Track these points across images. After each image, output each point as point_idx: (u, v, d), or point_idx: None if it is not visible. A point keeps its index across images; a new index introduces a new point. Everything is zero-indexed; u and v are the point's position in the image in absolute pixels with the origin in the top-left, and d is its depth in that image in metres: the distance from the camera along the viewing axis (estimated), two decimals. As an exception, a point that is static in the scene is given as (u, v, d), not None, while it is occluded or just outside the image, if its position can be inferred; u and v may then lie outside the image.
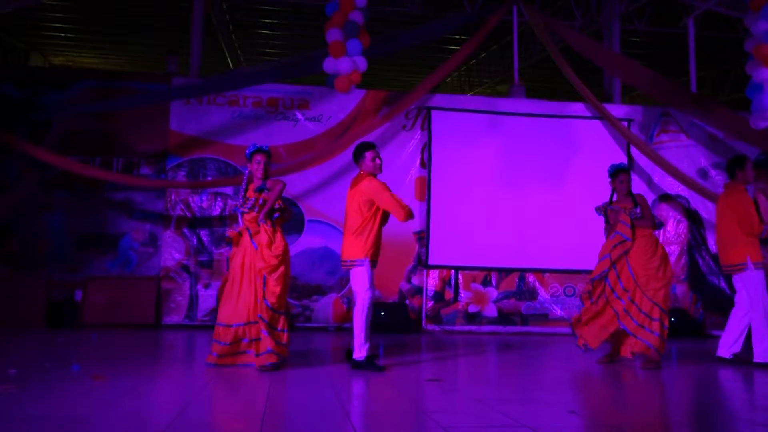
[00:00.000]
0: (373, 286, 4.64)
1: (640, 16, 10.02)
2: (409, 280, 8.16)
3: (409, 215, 4.54)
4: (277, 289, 4.45)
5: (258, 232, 4.53)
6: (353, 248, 4.59)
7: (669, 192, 8.62)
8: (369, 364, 4.53)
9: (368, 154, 4.73)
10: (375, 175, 4.73)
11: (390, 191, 4.62)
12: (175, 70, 8.60)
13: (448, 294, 8.17)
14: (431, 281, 8.15)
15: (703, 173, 8.69)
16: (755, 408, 3.66)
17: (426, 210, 8.22)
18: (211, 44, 10.60)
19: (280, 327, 4.51)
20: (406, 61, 12.80)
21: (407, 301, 8.09)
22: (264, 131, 8.08)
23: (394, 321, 7.80)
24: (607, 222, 5.37)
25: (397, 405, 3.44)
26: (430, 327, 8.06)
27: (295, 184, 7.91)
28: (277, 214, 4.64)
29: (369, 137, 8.08)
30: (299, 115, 8.21)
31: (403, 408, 3.36)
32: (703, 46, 9.85)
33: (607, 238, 5.35)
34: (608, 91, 9.35)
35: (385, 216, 4.70)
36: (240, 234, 4.61)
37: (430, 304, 8.12)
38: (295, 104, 8.21)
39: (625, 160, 8.39)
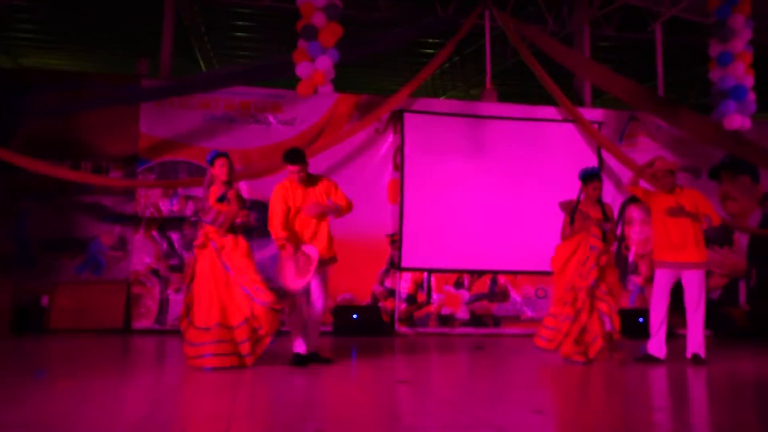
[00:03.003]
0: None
1: (610, 22, 10.17)
2: (381, 283, 8.16)
3: (276, 232, 4.67)
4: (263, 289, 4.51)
5: (223, 246, 4.56)
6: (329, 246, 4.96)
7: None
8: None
9: (288, 167, 4.87)
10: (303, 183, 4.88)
11: (275, 203, 4.76)
12: (145, 72, 8.51)
13: (421, 296, 8.19)
14: (404, 284, 8.17)
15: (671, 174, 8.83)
16: (719, 405, 3.74)
17: (399, 213, 8.24)
18: (182, 46, 10.50)
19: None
20: (378, 64, 12.81)
21: (380, 304, 8.10)
22: (236, 134, 8.03)
23: (366, 323, 7.80)
24: (571, 222, 5.42)
25: (365, 406, 3.45)
26: (403, 329, 8.07)
27: (267, 187, 7.85)
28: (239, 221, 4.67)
29: (342, 141, 8.12)
30: (271, 119, 8.17)
31: (371, 409, 3.37)
32: (671, 51, 10.02)
33: (565, 238, 5.42)
34: (579, 95, 9.48)
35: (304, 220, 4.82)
36: (204, 245, 4.62)
37: (403, 306, 8.14)
38: (267, 107, 8.17)
39: (595, 163, 8.50)
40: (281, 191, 4.76)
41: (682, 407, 3.72)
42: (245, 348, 4.44)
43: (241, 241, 4.62)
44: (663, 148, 8.88)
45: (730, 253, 8.93)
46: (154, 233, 7.76)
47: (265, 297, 4.47)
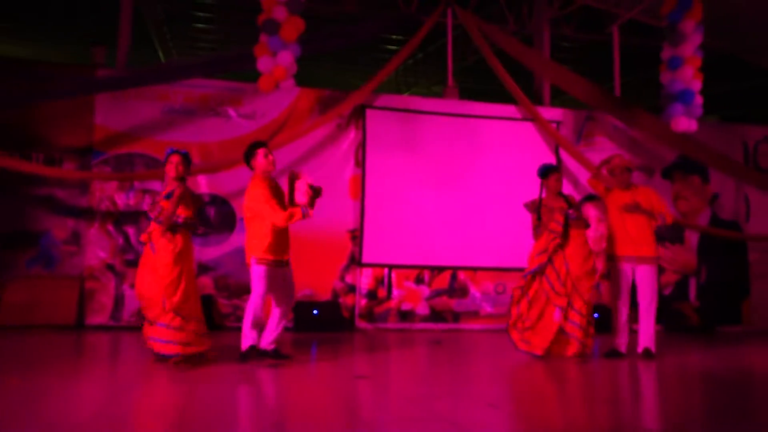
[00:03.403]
0: (266, 289, 4.65)
1: (569, 22, 10.35)
2: (342, 279, 8.15)
3: (290, 220, 4.55)
4: (175, 299, 4.41)
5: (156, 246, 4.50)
6: (248, 247, 4.71)
7: (594, 193, 8.94)
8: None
9: (261, 152, 4.72)
10: (269, 173, 4.75)
11: (267, 198, 4.60)
12: (101, 61, 8.30)
13: (381, 292, 8.21)
14: (364, 279, 8.18)
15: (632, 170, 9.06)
16: (664, 399, 3.86)
17: (360, 209, 8.24)
18: (141, 36, 10.27)
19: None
20: (342, 59, 12.78)
21: (340, 300, 8.09)
22: (195, 127, 7.90)
23: (326, 319, 7.78)
24: (538, 219, 5.47)
25: (323, 401, 3.45)
26: (363, 325, 8.08)
27: (227, 182, 7.78)
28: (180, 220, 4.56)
29: (304, 136, 8.07)
30: (232, 112, 8.06)
31: (328, 404, 3.37)
32: (628, 53, 10.26)
33: (537, 236, 5.48)
34: (539, 94, 9.62)
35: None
36: (145, 243, 4.56)
37: (363, 302, 8.15)
38: (227, 100, 8.06)
39: (554, 161, 8.65)
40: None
41: (633, 400, 3.83)
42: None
43: (178, 242, 4.52)
44: (619, 147, 9.08)
45: (681, 250, 9.21)
46: (110, 227, 7.58)
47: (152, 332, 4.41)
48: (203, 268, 7.58)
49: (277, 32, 6.54)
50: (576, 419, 3.11)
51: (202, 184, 7.83)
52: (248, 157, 4.74)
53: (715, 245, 9.23)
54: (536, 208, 5.47)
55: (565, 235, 5.38)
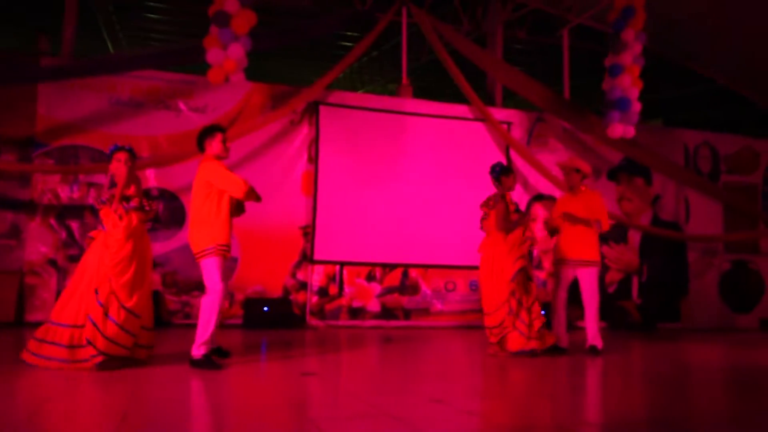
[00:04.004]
0: (225, 278, 4.38)
1: (522, 25, 10.54)
2: (293, 275, 8.12)
3: (250, 194, 4.32)
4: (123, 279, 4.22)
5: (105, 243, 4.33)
6: (199, 238, 4.35)
7: (543, 193, 9.15)
8: (208, 362, 4.27)
9: (220, 136, 4.49)
10: (222, 159, 4.51)
11: (226, 170, 4.39)
12: (46, 50, 8.02)
13: (333, 289, 8.21)
14: (316, 276, 8.16)
15: (590, 176, 9.28)
16: (617, 393, 3.98)
17: (312, 205, 8.21)
18: (88, 25, 9.97)
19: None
20: (297, 55, 12.68)
21: (291, 297, 8.06)
22: (144, 120, 7.73)
23: (277, 316, 7.74)
24: (515, 215, 5.47)
25: (267, 399, 3.43)
26: (314, 322, 8.07)
27: (176, 176, 7.64)
28: (134, 204, 4.42)
29: (256, 131, 7.99)
30: (182, 105, 7.92)
31: (272, 402, 3.35)
32: (578, 57, 10.52)
33: (510, 228, 5.45)
34: (491, 95, 9.77)
35: (237, 204, 4.50)
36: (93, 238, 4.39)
37: (315, 299, 8.13)
38: (177, 93, 7.91)
39: (504, 161, 8.80)
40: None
41: (576, 395, 3.94)
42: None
43: (132, 219, 4.36)
44: (567, 149, 9.32)
45: (625, 249, 9.52)
46: (52, 221, 7.35)
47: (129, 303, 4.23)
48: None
49: (228, 24, 6.46)
50: (519, 414, 3.19)
51: (151, 178, 7.67)
52: (204, 137, 4.48)
53: (657, 245, 9.57)
54: (497, 202, 5.46)
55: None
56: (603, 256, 8.91)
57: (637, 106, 7.47)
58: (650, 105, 7.71)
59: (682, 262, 9.79)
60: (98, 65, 7.72)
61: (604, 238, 9.37)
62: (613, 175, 9.54)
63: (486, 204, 5.63)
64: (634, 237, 9.57)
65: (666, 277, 9.65)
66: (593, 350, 5.67)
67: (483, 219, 5.68)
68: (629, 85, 7.35)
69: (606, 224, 5.82)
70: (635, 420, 3.10)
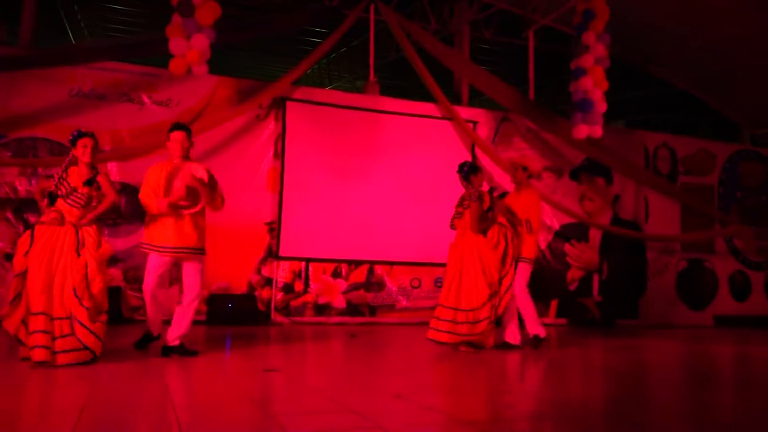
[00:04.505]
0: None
1: (488, 25, 10.65)
2: (258, 272, 8.08)
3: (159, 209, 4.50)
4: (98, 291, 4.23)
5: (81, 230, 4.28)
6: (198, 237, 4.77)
7: (508, 191, 9.27)
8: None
9: (169, 134, 4.66)
10: (171, 158, 4.66)
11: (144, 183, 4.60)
12: (2, 39, 7.80)
13: (298, 285, 8.20)
14: (281, 272, 8.14)
15: (538, 174, 9.45)
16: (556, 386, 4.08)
17: (278, 201, 8.18)
18: (49, 15, 9.74)
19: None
20: (266, 49, 12.60)
21: (256, 293, 8.02)
22: (105, 112, 7.59)
23: (242, 312, 7.70)
24: (486, 213, 5.49)
25: (228, 395, 3.42)
26: (279, 318, 8.05)
27: (139, 170, 7.46)
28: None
29: (221, 126, 7.92)
30: (146, 98, 7.80)
31: (233, 397, 3.34)
32: (543, 58, 10.68)
33: (480, 233, 5.47)
34: (457, 94, 9.86)
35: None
36: (59, 220, 4.26)
37: (280, 295, 8.11)
38: (141, 86, 7.79)
39: (470, 159, 8.89)
40: None
41: (537, 389, 4.03)
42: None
43: (103, 241, 4.37)
44: (531, 148, 9.47)
45: (586, 248, 9.72)
46: (9, 215, 7.17)
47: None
48: (112, 260, 7.29)
49: (193, 15, 6.38)
50: (479, 408, 3.25)
51: (113, 172, 7.54)
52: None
53: (617, 244, 9.80)
54: (473, 201, 5.47)
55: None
56: (559, 255, 9.10)
57: (601, 107, 7.61)
58: (612, 107, 7.88)
59: (641, 261, 10.05)
60: (58, 56, 7.56)
61: (566, 237, 9.57)
62: (575, 174, 9.73)
63: (461, 203, 5.63)
64: (595, 236, 9.78)
65: (625, 275, 9.90)
66: (536, 340, 5.70)
67: (456, 217, 5.63)
68: (591, 86, 7.51)
69: (534, 226, 5.68)
70: (592, 412, 3.18)
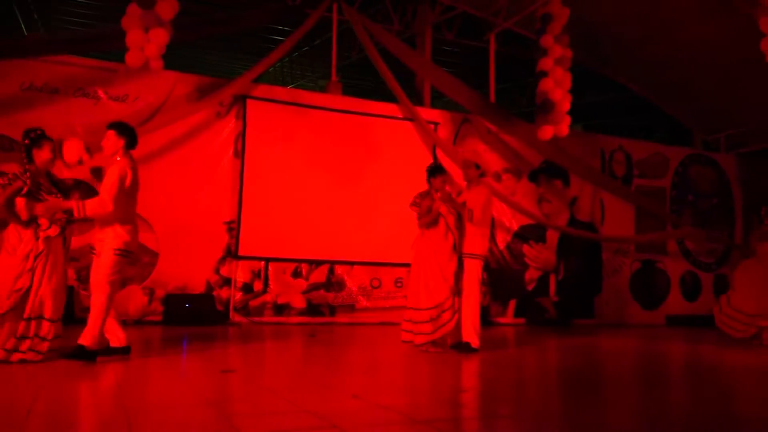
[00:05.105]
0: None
1: (450, 27, 10.75)
2: (217, 271, 7.98)
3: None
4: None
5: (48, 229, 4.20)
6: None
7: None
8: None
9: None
10: (107, 158, 4.48)
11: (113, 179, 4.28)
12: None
13: (258, 285, 8.13)
14: (240, 272, 8.05)
15: (497, 176, 9.59)
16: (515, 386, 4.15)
17: (238, 200, 8.10)
18: (1, 7, 9.43)
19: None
20: (228, 47, 12.46)
21: (214, 293, 7.92)
22: (59, 107, 7.39)
23: (199, 312, 7.59)
24: (429, 209, 5.51)
25: (182, 396, 3.37)
26: (238, 319, 7.96)
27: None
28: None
29: (180, 123, 7.80)
30: (101, 93, 7.62)
31: (188, 399, 3.30)
32: (504, 61, 10.83)
33: (425, 228, 5.49)
34: (419, 95, 9.92)
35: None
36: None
37: (239, 295, 8.02)
38: (97, 81, 7.61)
39: (431, 160, 8.96)
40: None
41: (497, 388, 4.09)
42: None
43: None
44: (492, 150, 9.59)
45: (543, 248, 9.89)
46: (-44, 211, 6.90)
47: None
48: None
49: (152, 7, 6.25)
50: (435, 407, 3.28)
51: (65, 169, 7.34)
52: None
53: (573, 245, 10.01)
54: (423, 199, 5.50)
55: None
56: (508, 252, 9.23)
57: (564, 107, 7.74)
58: (571, 110, 8.02)
59: (596, 261, 10.27)
60: (10, 48, 7.31)
61: (524, 238, 9.73)
62: (534, 176, 9.89)
63: (414, 203, 5.66)
64: (552, 237, 9.97)
65: (581, 276, 10.11)
66: (466, 347, 5.41)
67: (418, 218, 5.63)
68: (552, 87, 7.64)
69: (481, 219, 5.53)
70: (549, 411, 3.25)
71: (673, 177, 11.21)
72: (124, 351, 4.43)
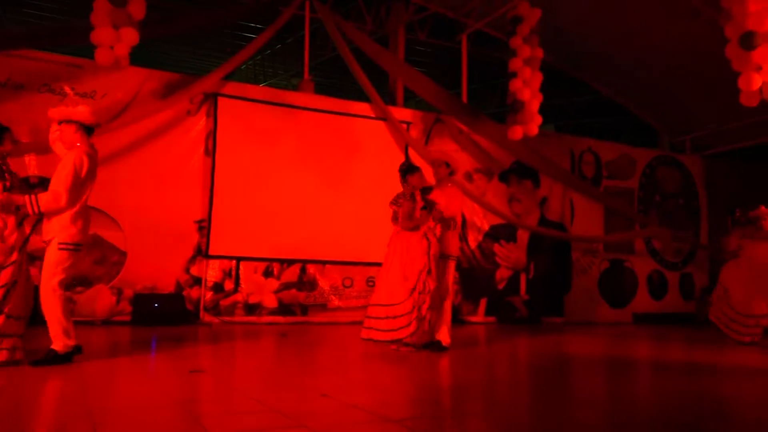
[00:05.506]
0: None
1: (423, 28, 10.79)
2: (187, 271, 7.89)
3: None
4: None
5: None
6: None
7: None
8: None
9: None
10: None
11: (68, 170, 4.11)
12: None
13: (229, 285, 8.06)
14: (211, 272, 7.98)
15: (468, 176, 9.66)
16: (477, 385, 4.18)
17: (209, 199, 8.02)
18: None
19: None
20: (198, 43, 12.32)
21: (185, 292, 7.83)
22: (24, 103, 7.23)
23: (169, 312, 7.50)
24: (413, 212, 5.50)
25: (149, 397, 3.33)
26: (209, 318, 7.89)
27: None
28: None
29: (149, 120, 7.69)
30: (68, 89, 7.48)
31: (155, 400, 3.26)
32: (477, 62, 10.92)
33: (411, 230, 5.49)
34: (392, 94, 9.94)
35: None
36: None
37: (209, 295, 7.95)
38: (63, 76, 7.46)
39: (403, 160, 8.97)
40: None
41: (467, 386, 4.12)
42: None
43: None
44: (463, 150, 9.65)
45: (514, 248, 10.00)
46: None
47: None
48: (30, 258, 6.95)
49: (125, 5, 6.17)
50: (404, 406, 3.29)
51: (32, 165, 7.19)
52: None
53: (543, 244, 10.13)
54: (406, 200, 5.49)
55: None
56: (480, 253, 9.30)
57: (533, 106, 7.82)
58: (542, 111, 8.12)
59: (566, 261, 10.42)
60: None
61: (495, 237, 9.82)
62: (504, 177, 9.99)
63: (395, 202, 5.64)
64: (523, 236, 10.08)
65: (551, 275, 10.24)
66: (437, 346, 5.48)
67: (393, 217, 5.63)
68: (521, 87, 7.72)
69: (458, 223, 5.72)
70: (518, 409, 3.28)
71: (641, 178, 11.42)
72: (75, 350, 4.26)
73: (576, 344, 6.95)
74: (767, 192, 7.88)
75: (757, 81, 6.08)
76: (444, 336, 5.49)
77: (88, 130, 4.28)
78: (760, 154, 11.97)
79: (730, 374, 4.76)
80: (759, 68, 6.07)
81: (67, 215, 4.11)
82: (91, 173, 4.23)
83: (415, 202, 5.50)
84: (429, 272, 5.43)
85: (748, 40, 5.99)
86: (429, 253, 5.45)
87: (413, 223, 5.48)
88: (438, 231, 5.57)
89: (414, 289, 5.31)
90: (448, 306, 5.57)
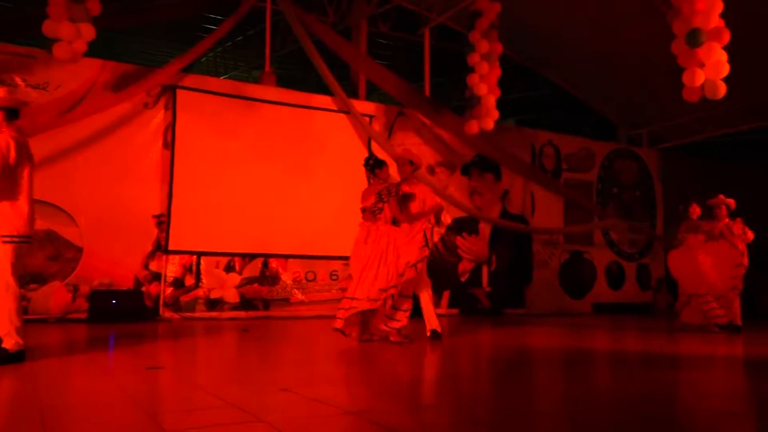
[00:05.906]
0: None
1: (385, 20, 10.77)
2: (146, 266, 7.75)
3: None
4: None
5: None
6: None
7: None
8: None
9: None
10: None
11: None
12: None
13: (189, 280, 7.95)
14: (171, 267, 7.85)
15: (431, 169, 9.71)
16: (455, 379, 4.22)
17: (168, 193, 7.88)
18: None
19: None
20: (156, 34, 12.07)
21: (143, 288, 7.69)
22: (-28, 94, 6.97)
23: (127, 309, 7.36)
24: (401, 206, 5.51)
25: (104, 395, 3.26)
26: (169, 315, 7.76)
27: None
28: None
29: (106, 113, 7.51)
30: (19, 81, 7.24)
31: (111, 397, 3.20)
32: (439, 55, 10.95)
33: (411, 222, 5.50)
34: (354, 87, 9.91)
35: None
36: None
37: (169, 290, 7.82)
38: (14, 67, 7.22)
39: (366, 153, 8.96)
40: None
41: (431, 379, 4.15)
42: None
43: None
44: (425, 143, 9.69)
45: (476, 240, 10.10)
46: None
47: None
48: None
49: (84, 1, 6.02)
50: (363, 398, 3.30)
51: None
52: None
53: (505, 237, 10.26)
54: (390, 195, 5.48)
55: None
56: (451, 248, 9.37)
57: (489, 101, 7.90)
58: (504, 105, 8.21)
59: (527, 253, 10.57)
60: None
61: (458, 230, 9.90)
62: (466, 170, 10.08)
63: (380, 198, 5.59)
64: (485, 229, 10.19)
65: (513, 267, 10.38)
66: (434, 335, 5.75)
67: (375, 212, 5.56)
68: (478, 81, 7.79)
69: (444, 220, 5.86)
70: (481, 401, 3.32)
71: (600, 170, 11.65)
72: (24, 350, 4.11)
73: (537, 336, 7.06)
74: (718, 183, 8.12)
75: (700, 77, 6.26)
76: (435, 323, 5.73)
77: (11, 113, 3.98)
78: (710, 147, 12.37)
79: (687, 364, 4.91)
80: (702, 65, 6.25)
81: (8, 206, 3.89)
82: (24, 158, 3.95)
83: (398, 197, 5.51)
84: (414, 266, 5.46)
85: (693, 38, 6.16)
86: (422, 250, 5.49)
87: (403, 218, 5.51)
88: (436, 231, 5.65)
89: (402, 274, 5.35)
90: (428, 296, 5.79)
